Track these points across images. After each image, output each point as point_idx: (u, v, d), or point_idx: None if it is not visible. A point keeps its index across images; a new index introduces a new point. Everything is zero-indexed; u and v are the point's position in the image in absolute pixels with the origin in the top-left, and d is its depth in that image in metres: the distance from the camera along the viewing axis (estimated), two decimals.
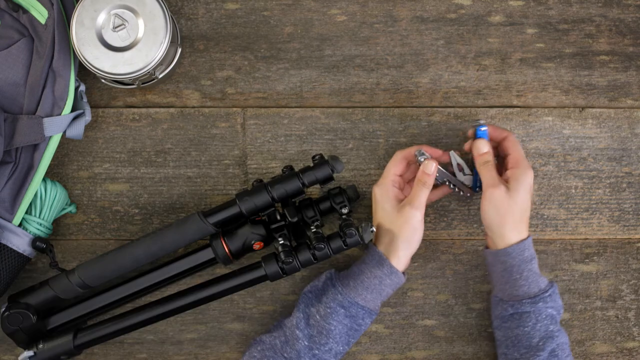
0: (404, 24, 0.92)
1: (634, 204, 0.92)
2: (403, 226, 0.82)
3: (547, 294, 0.81)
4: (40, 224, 0.87)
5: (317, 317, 0.82)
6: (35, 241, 0.86)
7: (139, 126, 0.92)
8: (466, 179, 0.87)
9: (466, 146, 0.86)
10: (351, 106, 0.92)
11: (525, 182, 0.81)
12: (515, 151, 0.83)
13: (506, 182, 0.82)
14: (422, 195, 0.83)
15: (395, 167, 0.85)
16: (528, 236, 0.82)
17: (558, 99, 0.92)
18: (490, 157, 0.83)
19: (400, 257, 0.83)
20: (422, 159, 0.84)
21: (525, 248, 0.81)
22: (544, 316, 0.81)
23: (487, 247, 0.86)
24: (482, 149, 0.84)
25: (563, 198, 0.92)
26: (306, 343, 0.82)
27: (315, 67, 0.92)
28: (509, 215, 0.81)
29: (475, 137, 0.85)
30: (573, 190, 0.92)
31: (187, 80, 0.92)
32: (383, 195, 0.84)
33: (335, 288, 0.83)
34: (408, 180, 0.88)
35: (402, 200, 0.84)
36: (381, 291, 0.83)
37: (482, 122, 0.85)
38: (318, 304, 0.83)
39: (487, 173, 0.83)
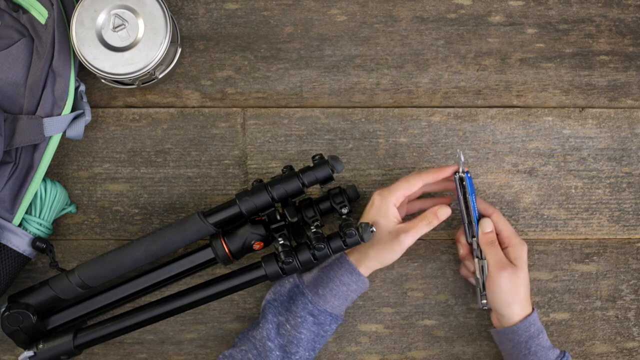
0: (404, 24, 0.92)
1: (634, 204, 0.92)
2: (387, 248, 0.82)
3: None
4: (40, 224, 0.87)
5: (288, 326, 0.83)
6: (35, 241, 0.86)
7: (139, 126, 0.92)
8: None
9: (461, 254, 0.88)
10: (351, 106, 0.92)
11: (525, 258, 0.83)
12: (504, 228, 0.84)
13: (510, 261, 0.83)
14: (423, 231, 0.83)
15: (408, 190, 0.83)
16: (533, 311, 0.83)
17: (558, 99, 0.92)
18: (494, 237, 0.84)
19: (370, 268, 0.84)
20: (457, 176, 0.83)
21: (531, 324, 0.82)
22: None
23: (493, 326, 0.88)
24: (486, 227, 0.84)
25: (563, 198, 0.92)
26: (278, 353, 0.82)
27: (315, 67, 0.92)
28: (516, 295, 0.82)
29: (465, 180, 0.83)
30: (573, 190, 0.92)
31: (187, 80, 0.92)
32: (382, 208, 0.83)
33: (305, 297, 0.83)
34: (410, 200, 0.88)
35: (398, 221, 0.83)
36: (347, 297, 0.84)
37: (461, 161, 0.83)
38: (287, 313, 0.83)
39: (493, 254, 0.83)
